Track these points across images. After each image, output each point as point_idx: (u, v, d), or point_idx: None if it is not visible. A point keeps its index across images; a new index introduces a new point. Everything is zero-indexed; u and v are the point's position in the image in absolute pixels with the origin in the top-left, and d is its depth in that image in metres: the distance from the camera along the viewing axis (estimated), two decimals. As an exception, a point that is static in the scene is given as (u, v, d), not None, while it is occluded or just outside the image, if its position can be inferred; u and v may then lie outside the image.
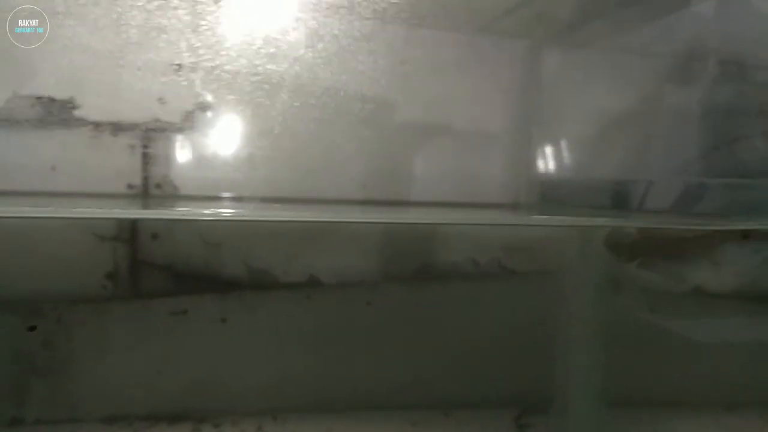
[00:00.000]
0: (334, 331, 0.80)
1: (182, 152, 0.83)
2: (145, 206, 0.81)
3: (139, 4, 0.73)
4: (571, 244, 0.81)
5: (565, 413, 0.78)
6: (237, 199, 0.86)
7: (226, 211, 0.76)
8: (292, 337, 0.78)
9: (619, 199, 0.79)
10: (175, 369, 0.74)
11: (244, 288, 0.77)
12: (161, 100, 0.80)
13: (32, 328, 0.71)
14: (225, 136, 0.84)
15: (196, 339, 0.75)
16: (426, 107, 0.87)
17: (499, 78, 0.87)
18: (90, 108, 0.77)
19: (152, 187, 0.84)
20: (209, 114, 0.84)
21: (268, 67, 0.80)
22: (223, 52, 0.79)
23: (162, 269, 0.75)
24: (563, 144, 0.88)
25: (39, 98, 0.75)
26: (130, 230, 0.75)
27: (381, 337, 0.82)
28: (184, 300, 0.75)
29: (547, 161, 0.88)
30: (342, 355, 0.80)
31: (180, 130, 0.82)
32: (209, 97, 0.84)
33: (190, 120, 0.82)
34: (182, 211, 0.76)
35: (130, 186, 0.83)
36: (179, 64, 0.81)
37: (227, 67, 0.81)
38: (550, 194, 0.86)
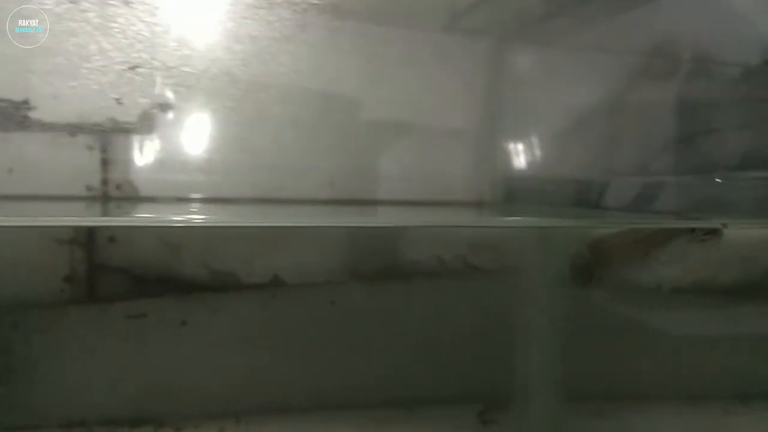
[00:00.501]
0: (298, 332, 0.80)
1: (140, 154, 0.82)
2: (105, 209, 0.80)
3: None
4: (534, 241, 0.81)
5: (528, 408, 0.79)
6: (201, 201, 0.86)
7: (196, 217, 0.75)
8: (255, 339, 0.78)
9: (582, 196, 0.79)
10: (135, 373, 0.74)
11: (206, 290, 0.76)
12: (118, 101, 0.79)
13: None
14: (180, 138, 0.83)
15: (156, 342, 0.74)
16: (388, 104, 0.87)
17: (461, 76, 0.87)
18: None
19: (112, 188, 0.83)
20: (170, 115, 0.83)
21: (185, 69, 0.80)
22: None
23: (120, 272, 0.74)
24: (527, 141, 0.88)
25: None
26: (87, 233, 0.74)
27: (345, 336, 0.81)
28: (144, 303, 0.74)
29: (511, 159, 0.88)
30: (306, 355, 0.79)
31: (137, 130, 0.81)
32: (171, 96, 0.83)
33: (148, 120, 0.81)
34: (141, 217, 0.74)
35: (89, 188, 0.82)
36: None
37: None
38: (515, 192, 0.86)
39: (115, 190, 0.83)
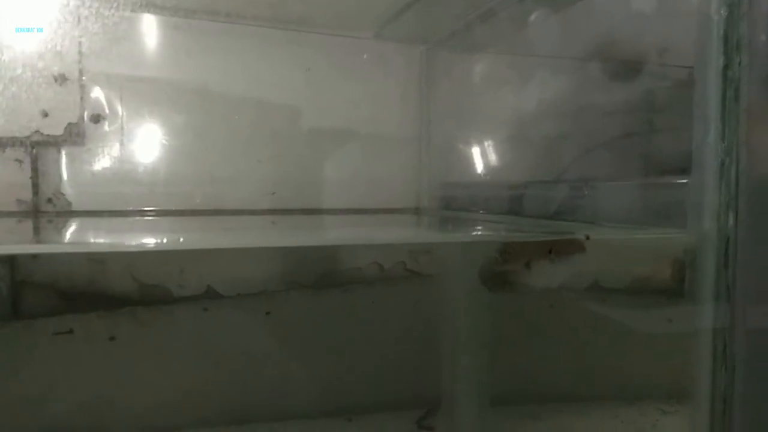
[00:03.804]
0: (233, 343, 0.79)
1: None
2: (36, 223, 0.79)
3: None
4: (467, 246, 0.81)
5: (465, 412, 0.79)
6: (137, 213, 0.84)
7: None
8: (188, 352, 0.77)
9: (513, 204, 0.79)
10: (62, 390, 0.72)
11: (135, 304, 0.75)
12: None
13: None
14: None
15: (83, 359, 0.73)
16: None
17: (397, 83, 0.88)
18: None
19: (44, 202, 0.82)
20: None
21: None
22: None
23: (44, 288, 0.72)
24: (462, 148, 0.88)
25: None
26: (8, 250, 0.72)
27: (282, 346, 0.81)
28: (70, 319, 0.73)
29: (447, 166, 0.89)
30: (241, 367, 0.79)
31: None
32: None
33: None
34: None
35: (20, 201, 0.81)
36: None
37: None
38: (449, 198, 0.86)
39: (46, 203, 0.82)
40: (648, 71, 0.92)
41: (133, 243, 0.67)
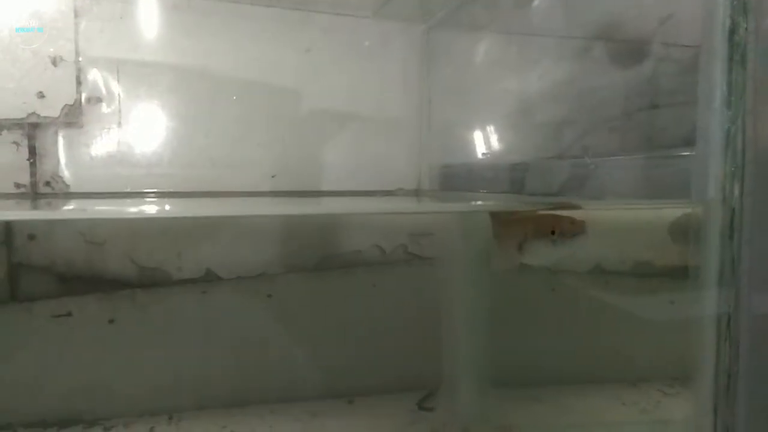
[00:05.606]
0: (233, 326, 0.79)
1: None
2: (34, 205, 0.78)
3: None
4: (470, 228, 0.80)
5: (465, 394, 0.79)
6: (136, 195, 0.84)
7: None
8: (187, 334, 0.77)
9: (514, 182, 0.78)
10: (61, 373, 0.72)
11: (134, 287, 0.75)
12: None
13: None
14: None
15: (82, 341, 0.73)
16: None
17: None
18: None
19: (41, 184, 0.81)
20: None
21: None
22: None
23: (42, 271, 0.72)
24: (463, 128, 0.87)
25: None
26: (5, 232, 0.72)
27: (282, 329, 0.81)
28: (68, 301, 0.72)
29: (446, 146, 0.87)
30: (241, 349, 0.79)
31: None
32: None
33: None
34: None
35: (17, 185, 0.80)
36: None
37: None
38: (450, 179, 0.85)
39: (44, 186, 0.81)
40: (652, 48, 0.90)
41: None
